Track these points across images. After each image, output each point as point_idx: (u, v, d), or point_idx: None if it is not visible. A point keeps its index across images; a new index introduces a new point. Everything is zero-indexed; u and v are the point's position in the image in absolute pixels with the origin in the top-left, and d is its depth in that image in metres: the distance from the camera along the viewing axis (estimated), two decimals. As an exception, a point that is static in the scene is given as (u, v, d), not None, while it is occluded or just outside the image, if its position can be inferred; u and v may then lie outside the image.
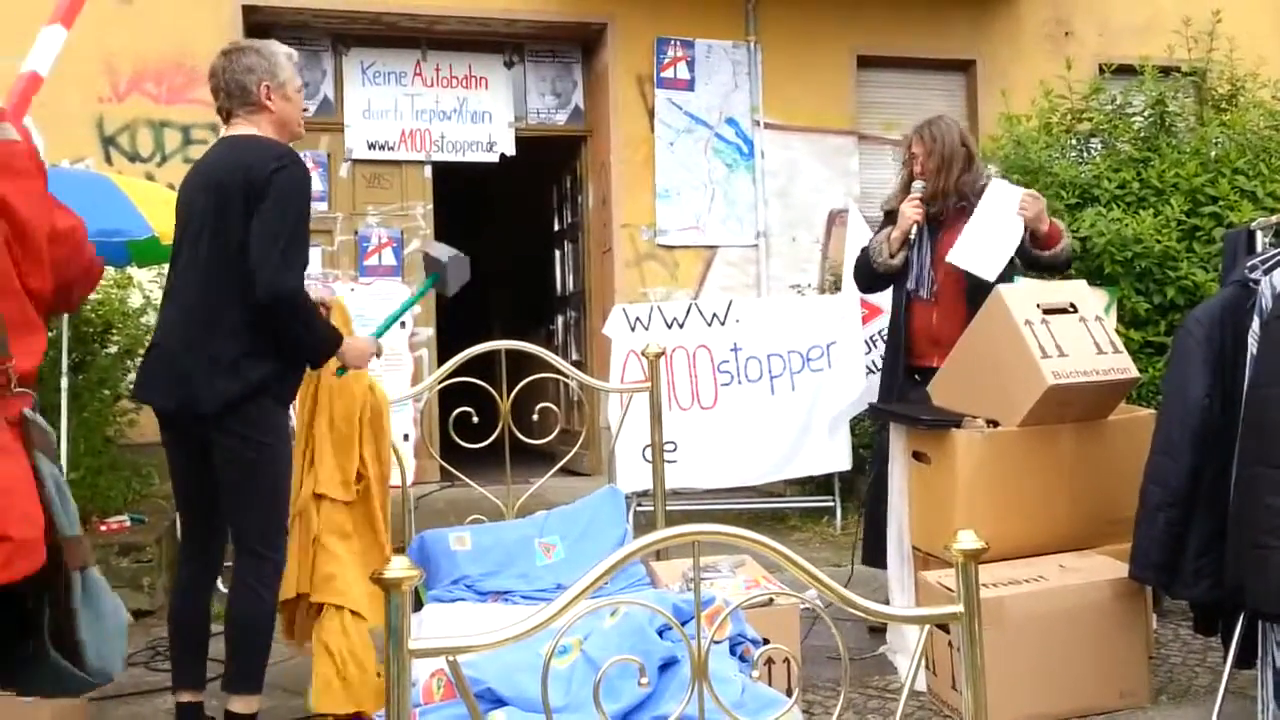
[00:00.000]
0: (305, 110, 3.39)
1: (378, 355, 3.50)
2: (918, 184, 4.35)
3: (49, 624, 2.09)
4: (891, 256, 4.37)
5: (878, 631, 4.22)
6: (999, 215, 4.22)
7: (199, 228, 3.29)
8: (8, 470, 2.06)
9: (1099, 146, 6.20)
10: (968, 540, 1.65)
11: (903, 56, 8.85)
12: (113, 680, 2.17)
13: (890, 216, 4.50)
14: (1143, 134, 6.06)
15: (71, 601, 2.10)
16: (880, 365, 5.30)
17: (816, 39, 8.56)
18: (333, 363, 3.37)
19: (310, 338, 3.23)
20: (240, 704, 3.32)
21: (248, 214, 3.15)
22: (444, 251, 3.67)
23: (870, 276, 4.53)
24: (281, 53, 3.51)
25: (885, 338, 4.85)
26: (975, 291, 4.16)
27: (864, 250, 4.56)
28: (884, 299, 5.26)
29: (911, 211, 4.30)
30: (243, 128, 3.42)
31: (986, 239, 4.21)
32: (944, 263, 4.28)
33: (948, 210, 4.37)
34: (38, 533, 2.05)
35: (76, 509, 2.24)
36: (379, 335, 3.55)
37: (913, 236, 4.34)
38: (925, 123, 4.45)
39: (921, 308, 4.36)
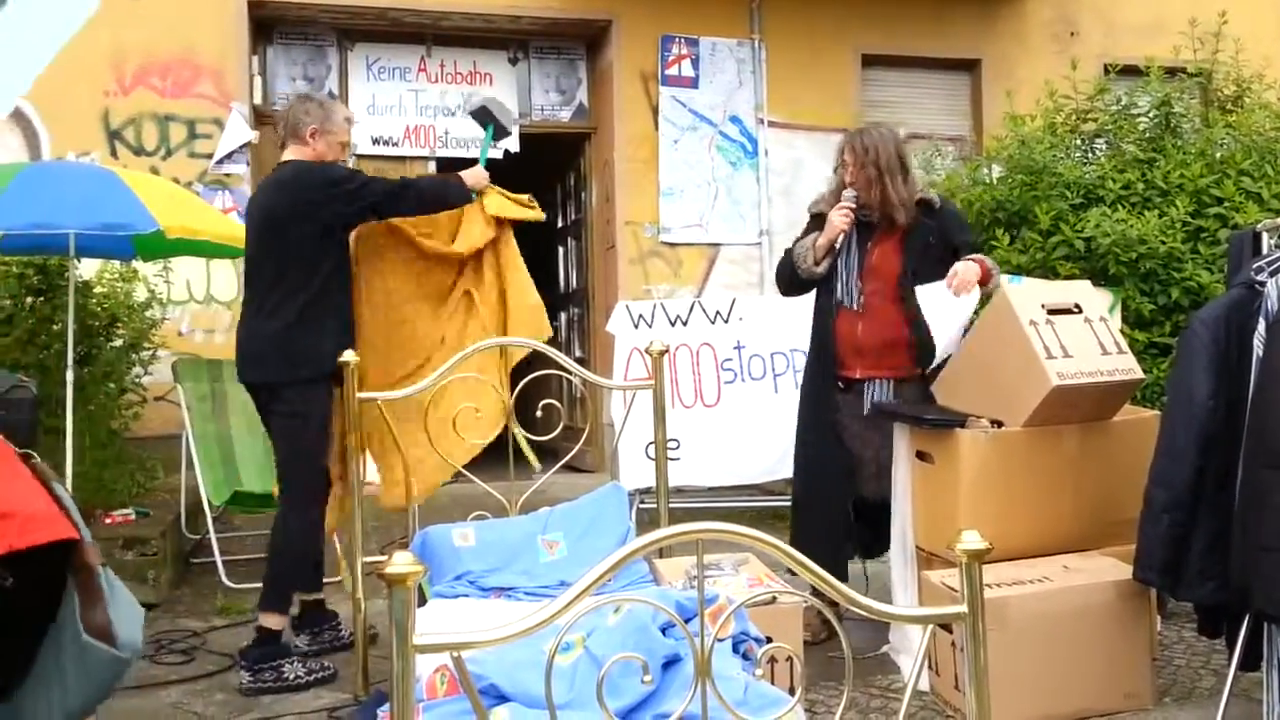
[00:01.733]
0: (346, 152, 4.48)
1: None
2: (849, 192, 4.20)
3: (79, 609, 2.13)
4: (816, 264, 4.22)
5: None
6: (946, 308, 4.10)
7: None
8: (15, 470, 2.10)
9: (1104, 147, 6.19)
10: (972, 540, 1.65)
11: (907, 55, 8.85)
12: (139, 652, 2.22)
13: (817, 221, 4.35)
14: (1148, 135, 6.05)
15: (98, 583, 2.14)
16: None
17: (821, 37, 8.56)
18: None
19: (430, 198, 4.20)
20: (266, 619, 3.98)
21: (309, 212, 4.02)
22: (485, 101, 4.57)
23: (792, 282, 4.37)
24: (340, 114, 4.32)
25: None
26: (911, 295, 4.14)
27: (787, 252, 4.39)
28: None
29: (840, 220, 4.15)
30: (290, 155, 4.28)
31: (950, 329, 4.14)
32: (872, 273, 4.18)
33: (878, 221, 4.22)
34: (54, 509, 2.10)
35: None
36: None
37: (839, 245, 4.20)
38: (858, 131, 4.34)
39: (847, 317, 4.21)
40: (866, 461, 4.20)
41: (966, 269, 4.03)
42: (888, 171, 4.15)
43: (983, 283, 4.08)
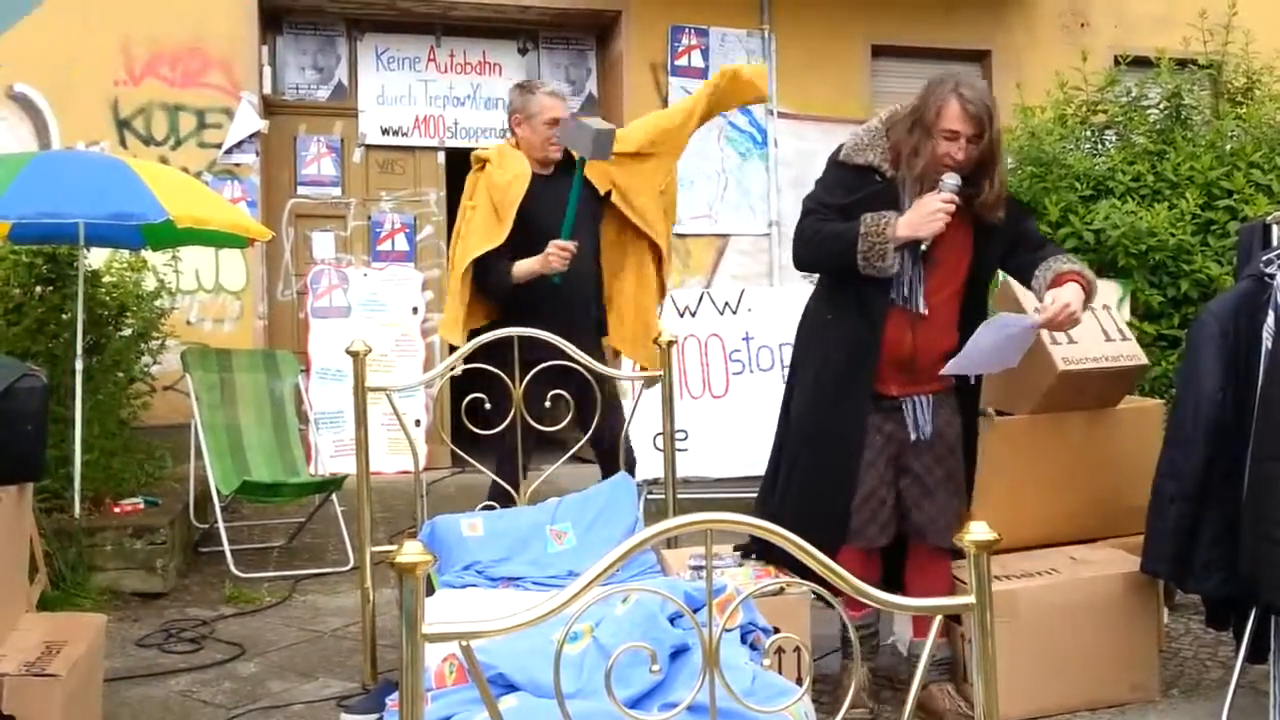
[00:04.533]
0: (542, 125, 4.30)
1: (564, 252, 4.09)
2: (951, 179, 3.21)
3: None
4: (885, 258, 3.26)
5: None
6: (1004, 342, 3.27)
7: None
8: None
9: (1114, 139, 6.17)
10: (980, 531, 1.65)
11: (917, 46, 8.81)
12: None
13: (855, 175, 3.36)
14: (1158, 126, 6.03)
15: None
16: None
17: (831, 28, 8.54)
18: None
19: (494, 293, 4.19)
20: None
21: None
22: (589, 127, 4.10)
23: (827, 263, 3.50)
24: (538, 99, 4.26)
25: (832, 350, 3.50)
26: (971, 298, 3.43)
27: (814, 219, 3.43)
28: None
29: (942, 220, 3.21)
30: (508, 143, 4.37)
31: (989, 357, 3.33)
32: (938, 268, 3.32)
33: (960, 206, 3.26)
34: None
35: None
36: (565, 236, 4.11)
37: (924, 246, 3.27)
38: (973, 90, 3.19)
39: (901, 322, 3.32)
40: (894, 495, 3.39)
41: (1075, 295, 3.15)
42: (1002, 154, 3.26)
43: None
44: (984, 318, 3.35)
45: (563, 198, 4.13)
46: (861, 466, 3.34)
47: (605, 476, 4.12)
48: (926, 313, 3.31)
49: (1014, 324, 3.23)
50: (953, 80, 3.23)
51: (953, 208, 3.20)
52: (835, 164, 3.45)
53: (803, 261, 3.58)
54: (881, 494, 3.37)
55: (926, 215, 3.21)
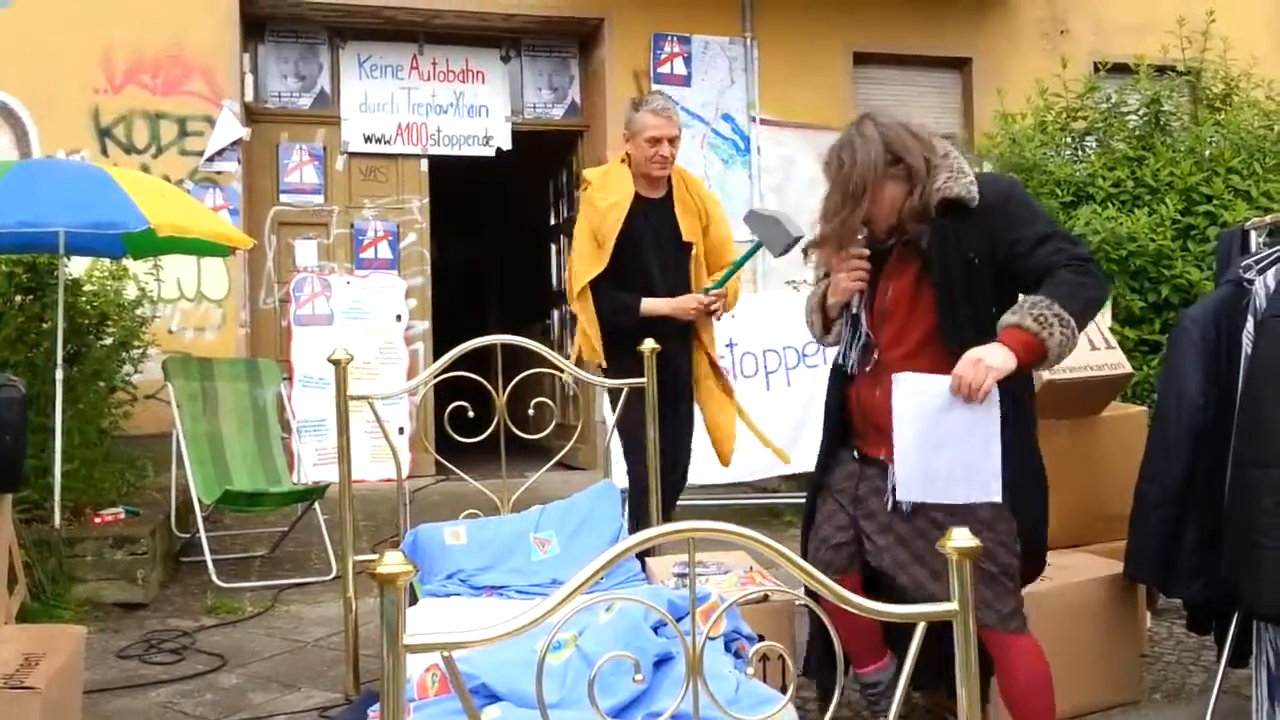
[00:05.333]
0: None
1: (705, 309, 4.22)
2: (858, 238, 2.93)
3: None
4: (826, 331, 3.10)
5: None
6: (935, 415, 2.68)
7: None
8: None
9: (1094, 145, 6.21)
10: (962, 538, 1.65)
11: (899, 54, 8.86)
12: None
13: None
14: (1138, 133, 6.07)
15: None
16: None
17: (813, 35, 8.57)
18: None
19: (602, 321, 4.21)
20: None
21: None
22: (772, 216, 4.06)
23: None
24: (641, 116, 4.20)
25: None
26: (952, 340, 2.77)
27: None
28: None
29: (850, 280, 2.93)
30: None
31: (942, 459, 2.70)
32: (887, 319, 2.90)
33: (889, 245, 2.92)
34: None
35: None
36: (718, 286, 4.23)
37: (855, 308, 2.96)
38: (840, 141, 2.94)
39: (863, 385, 2.95)
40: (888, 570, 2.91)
41: (968, 371, 2.62)
42: (871, 185, 2.79)
43: (1022, 365, 2.65)
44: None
45: (666, 222, 4.22)
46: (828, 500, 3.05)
47: (665, 505, 4.16)
48: (874, 369, 2.88)
49: (925, 388, 2.69)
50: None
51: (858, 266, 2.91)
52: None
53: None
54: (840, 520, 2.98)
55: (838, 284, 2.98)
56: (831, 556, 2.97)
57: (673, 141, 4.21)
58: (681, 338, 4.29)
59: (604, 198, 4.23)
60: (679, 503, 4.46)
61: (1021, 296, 2.77)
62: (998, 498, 2.71)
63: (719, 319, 4.41)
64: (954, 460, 2.68)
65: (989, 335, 2.69)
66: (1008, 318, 2.69)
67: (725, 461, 4.48)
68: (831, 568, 2.93)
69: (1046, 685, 2.79)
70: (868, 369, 2.91)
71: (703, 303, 4.19)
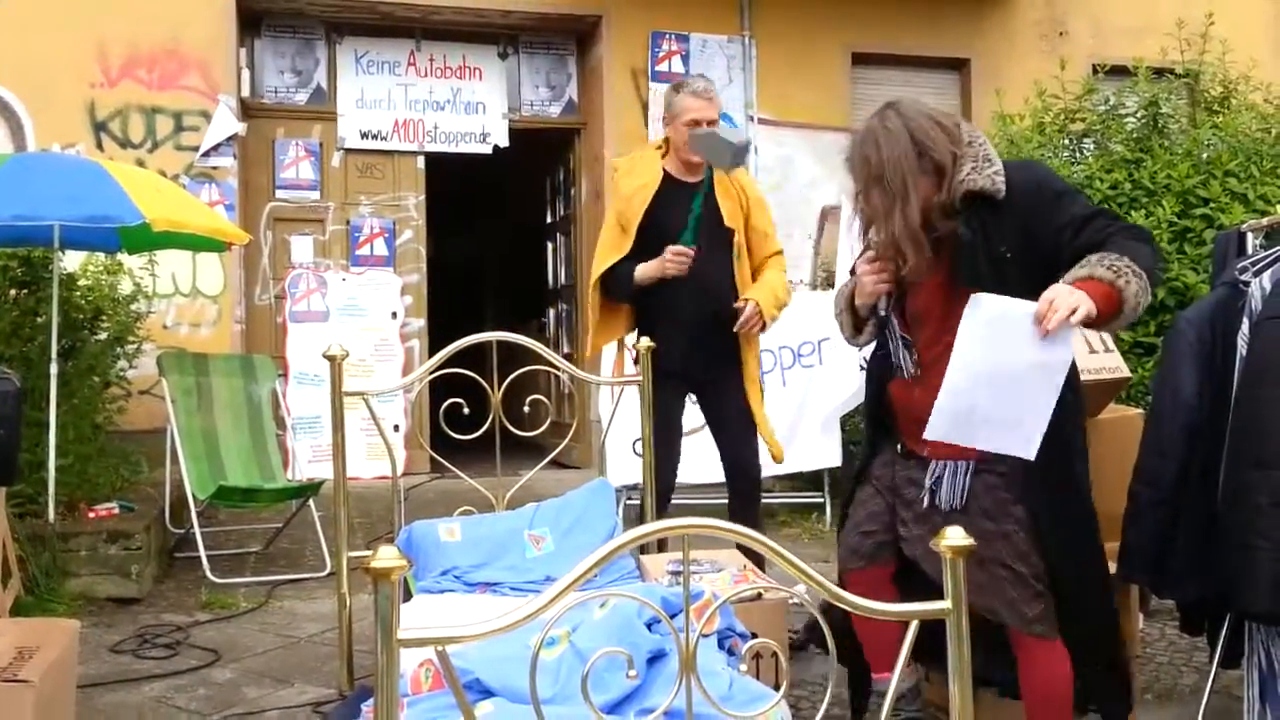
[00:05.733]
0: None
1: (680, 258, 4.01)
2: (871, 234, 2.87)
3: None
4: (858, 333, 3.00)
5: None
6: (1001, 346, 2.53)
7: None
8: None
9: (1092, 147, 6.20)
10: (956, 536, 1.65)
11: (897, 54, 8.87)
12: None
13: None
14: (1135, 135, 6.06)
15: None
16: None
17: (811, 35, 8.57)
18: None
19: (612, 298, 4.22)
20: None
21: None
22: (726, 140, 3.99)
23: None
24: (680, 98, 4.14)
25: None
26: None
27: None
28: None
29: (871, 281, 2.82)
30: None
31: (992, 398, 2.54)
32: (921, 320, 2.81)
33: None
34: None
35: None
36: (687, 243, 4.03)
37: (883, 310, 2.88)
38: (858, 136, 2.84)
39: (902, 386, 2.87)
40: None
41: (1062, 295, 2.48)
42: (901, 182, 2.66)
43: (1101, 316, 2.52)
44: None
45: (705, 207, 4.12)
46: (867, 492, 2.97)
47: (735, 513, 4.20)
48: (918, 372, 2.80)
49: (1006, 312, 2.50)
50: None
51: (882, 267, 2.79)
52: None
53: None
54: (873, 507, 2.91)
55: (863, 286, 2.86)
56: (859, 543, 2.91)
57: (712, 124, 4.10)
58: (723, 338, 4.17)
59: (629, 182, 4.19)
60: (673, 501, 4.43)
61: (1085, 258, 2.58)
62: (1031, 456, 2.57)
63: (762, 330, 4.22)
64: (1004, 400, 2.52)
65: None
66: (1076, 271, 2.55)
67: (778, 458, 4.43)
68: (858, 554, 2.90)
69: (1065, 691, 2.75)
70: (907, 374, 2.83)
71: (679, 252, 3.99)
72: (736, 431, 4.25)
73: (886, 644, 2.90)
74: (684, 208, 4.08)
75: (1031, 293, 2.56)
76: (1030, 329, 2.49)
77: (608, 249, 4.20)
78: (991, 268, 2.65)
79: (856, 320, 2.98)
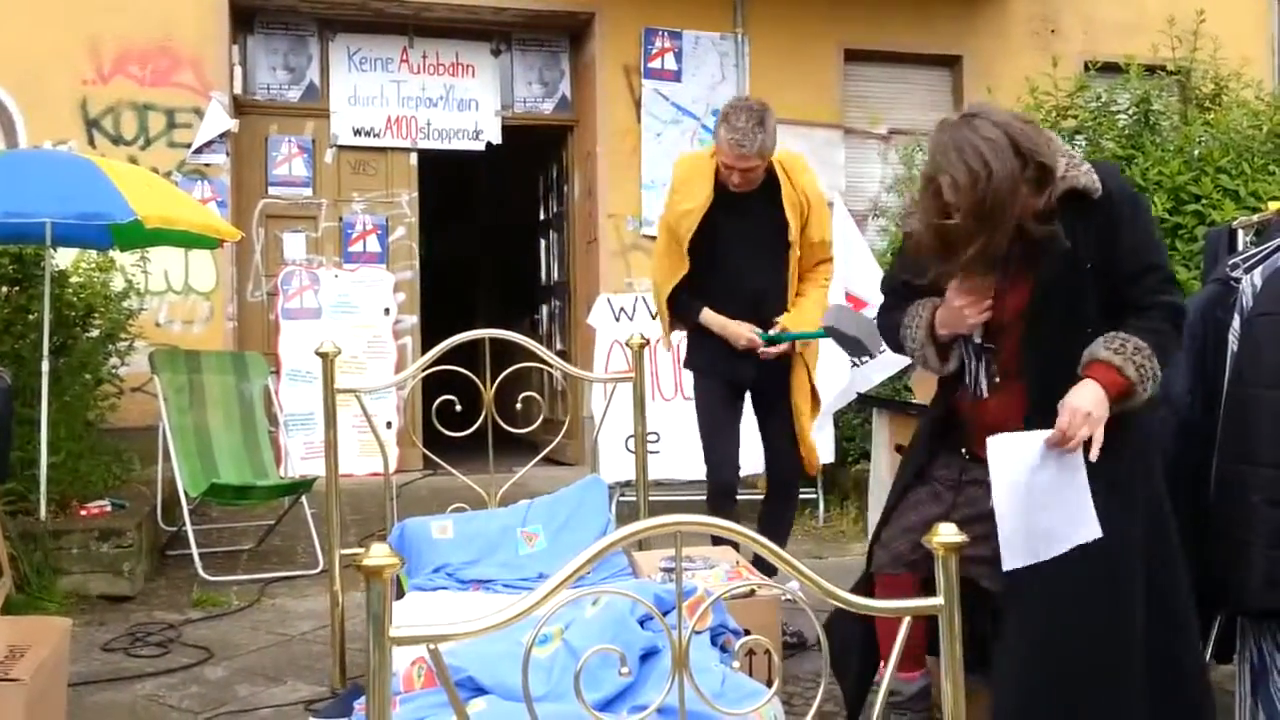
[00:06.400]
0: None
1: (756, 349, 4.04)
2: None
3: None
4: (944, 360, 2.81)
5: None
6: (1033, 478, 2.60)
7: None
8: None
9: (1083, 144, 6.22)
10: (948, 533, 1.66)
11: (889, 51, 8.87)
12: None
13: (914, 265, 2.75)
14: (1127, 132, 6.08)
15: None
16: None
17: (804, 32, 8.57)
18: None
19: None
20: None
21: None
22: (855, 337, 3.92)
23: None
24: (725, 128, 3.93)
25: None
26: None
27: (882, 309, 3.03)
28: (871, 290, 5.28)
29: (974, 314, 2.68)
30: None
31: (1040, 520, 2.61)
32: (1004, 333, 2.70)
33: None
34: None
35: None
36: (775, 340, 4.05)
37: (978, 339, 2.74)
38: (950, 153, 2.50)
39: (973, 401, 2.80)
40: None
41: (1075, 422, 2.51)
42: (1008, 204, 2.46)
43: (1115, 400, 2.53)
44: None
45: (765, 215, 4.06)
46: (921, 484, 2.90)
47: (768, 514, 4.27)
48: (998, 383, 2.73)
49: (1025, 445, 2.59)
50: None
51: (976, 301, 2.66)
52: (905, 234, 2.91)
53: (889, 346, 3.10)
54: (928, 512, 2.80)
55: (956, 314, 2.69)
56: (905, 549, 2.84)
57: (745, 173, 3.97)
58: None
59: (680, 201, 4.13)
60: (662, 498, 4.44)
61: (1121, 333, 2.57)
62: (1097, 533, 2.57)
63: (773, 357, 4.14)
64: (1055, 514, 2.61)
65: (1072, 364, 2.57)
66: (1103, 352, 2.54)
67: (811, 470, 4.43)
68: (900, 560, 2.85)
69: None
70: (982, 393, 2.74)
71: (752, 341, 4.02)
72: (778, 440, 4.26)
73: (910, 644, 2.88)
74: (738, 214, 4.04)
75: (1100, 308, 2.59)
76: (1046, 450, 2.57)
77: (667, 267, 4.18)
78: (1075, 279, 2.59)
79: (940, 351, 2.81)
